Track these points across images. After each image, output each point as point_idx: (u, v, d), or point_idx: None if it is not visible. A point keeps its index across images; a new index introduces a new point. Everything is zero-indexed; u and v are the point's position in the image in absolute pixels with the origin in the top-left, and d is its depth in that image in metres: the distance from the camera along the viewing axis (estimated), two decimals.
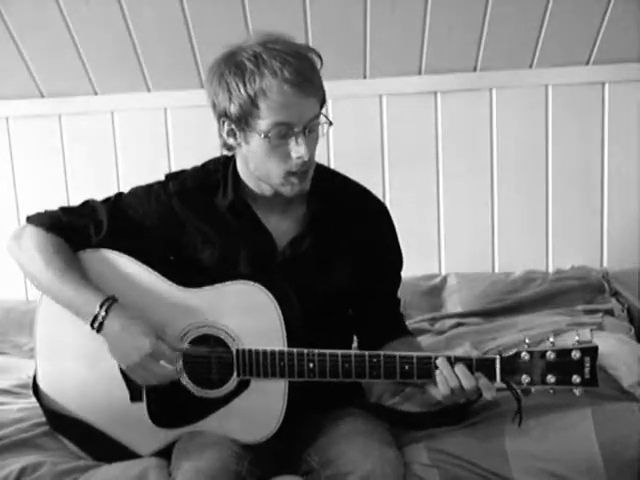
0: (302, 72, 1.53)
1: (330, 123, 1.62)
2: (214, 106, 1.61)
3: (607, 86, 2.69)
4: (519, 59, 2.68)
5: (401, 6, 2.53)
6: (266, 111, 1.53)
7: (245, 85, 1.53)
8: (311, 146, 1.59)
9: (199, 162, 1.81)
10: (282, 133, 1.55)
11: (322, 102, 1.61)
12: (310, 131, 1.58)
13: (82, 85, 2.76)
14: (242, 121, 1.57)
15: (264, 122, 1.54)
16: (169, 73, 2.73)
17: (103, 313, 1.59)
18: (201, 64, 2.69)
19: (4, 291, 2.87)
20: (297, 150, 1.56)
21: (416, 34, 2.61)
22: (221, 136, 1.65)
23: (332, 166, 2.71)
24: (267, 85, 1.52)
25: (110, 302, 1.60)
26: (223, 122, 1.61)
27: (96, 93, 2.79)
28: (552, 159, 2.74)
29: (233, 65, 1.55)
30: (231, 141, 1.63)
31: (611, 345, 1.98)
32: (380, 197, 1.83)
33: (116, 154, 2.84)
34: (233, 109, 1.56)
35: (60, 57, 2.68)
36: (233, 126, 1.60)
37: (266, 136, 1.55)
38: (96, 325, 1.60)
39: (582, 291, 2.57)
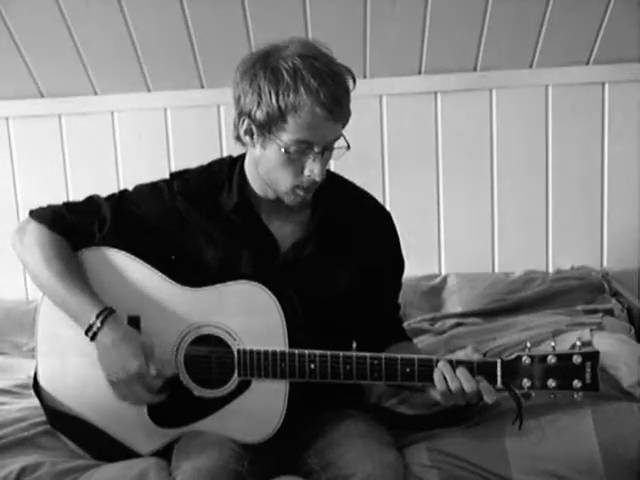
0: (336, 96, 1.53)
1: (348, 147, 1.63)
2: (238, 102, 1.60)
3: (607, 86, 2.69)
4: (519, 59, 2.68)
5: (401, 6, 2.53)
6: (293, 126, 1.53)
7: (278, 96, 1.52)
8: (324, 165, 1.59)
9: (199, 162, 1.81)
10: (301, 150, 1.56)
11: (345, 123, 1.62)
12: (328, 150, 1.59)
13: (82, 85, 2.76)
14: (265, 128, 1.56)
15: (287, 136, 1.54)
16: (169, 73, 2.73)
17: (98, 324, 1.60)
18: (201, 64, 2.69)
19: (4, 291, 2.87)
20: (311, 169, 1.57)
21: (416, 34, 2.61)
22: (236, 129, 1.64)
23: (332, 166, 2.72)
24: (300, 103, 1.51)
25: (106, 314, 1.61)
26: (243, 120, 1.60)
27: (96, 93, 2.80)
28: (552, 159, 2.74)
29: (269, 70, 1.53)
30: (247, 139, 1.63)
31: (611, 345, 1.98)
32: (380, 197, 1.83)
33: (116, 154, 2.84)
34: (259, 114, 1.55)
35: (60, 57, 2.69)
36: (253, 127, 1.59)
37: (286, 151, 1.56)
38: (90, 334, 1.61)
39: (582, 291, 2.57)
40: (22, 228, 1.73)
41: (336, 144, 1.61)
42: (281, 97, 1.51)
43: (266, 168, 1.62)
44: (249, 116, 1.58)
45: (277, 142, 1.56)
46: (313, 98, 1.51)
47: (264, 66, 1.54)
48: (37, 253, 1.67)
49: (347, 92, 1.57)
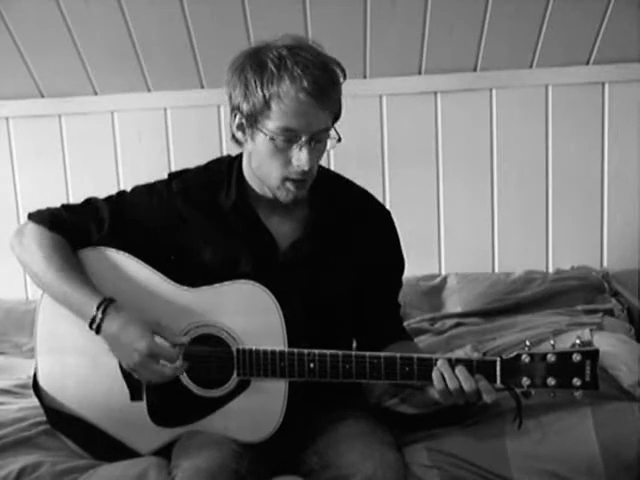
0: (321, 84, 1.53)
1: (339, 140, 1.63)
2: (230, 98, 1.62)
3: (607, 86, 2.69)
4: (519, 59, 2.68)
5: (401, 6, 2.53)
6: (277, 114, 1.54)
7: (262, 84, 1.54)
8: (314, 157, 1.59)
9: (199, 162, 1.81)
10: (288, 138, 1.56)
11: (336, 117, 1.62)
12: (316, 142, 1.58)
13: (82, 85, 2.76)
14: (252, 118, 1.58)
15: (273, 124, 1.55)
16: (169, 73, 2.73)
17: (100, 315, 1.60)
18: (201, 64, 2.69)
19: (4, 291, 2.87)
20: (298, 158, 1.57)
21: (416, 34, 2.61)
22: (231, 127, 1.66)
23: (332, 166, 2.74)
24: (283, 89, 1.52)
25: (106, 304, 1.61)
26: (235, 115, 1.62)
27: (96, 93, 2.80)
28: (552, 159, 2.74)
29: (256, 62, 1.56)
30: (239, 135, 1.64)
31: (611, 345, 1.98)
32: (380, 197, 1.83)
33: (116, 154, 2.84)
34: (246, 105, 1.57)
35: (60, 57, 2.69)
36: (243, 121, 1.61)
37: (272, 138, 1.56)
38: (94, 327, 1.61)
39: (582, 291, 2.57)
40: (20, 230, 1.73)
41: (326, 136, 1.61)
42: (265, 85, 1.53)
43: (257, 162, 1.63)
44: (239, 109, 1.60)
45: (264, 131, 1.57)
46: (296, 85, 1.52)
47: (252, 60, 1.57)
48: (36, 252, 1.67)
49: (333, 82, 1.57)
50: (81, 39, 2.64)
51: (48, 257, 1.66)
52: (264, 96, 1.54)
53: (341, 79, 1.60)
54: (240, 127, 1.63)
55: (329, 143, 1.63)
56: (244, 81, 1.57)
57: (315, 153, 1.59)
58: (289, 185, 1.62)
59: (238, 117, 1.61)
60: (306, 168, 1.58)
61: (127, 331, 1.58)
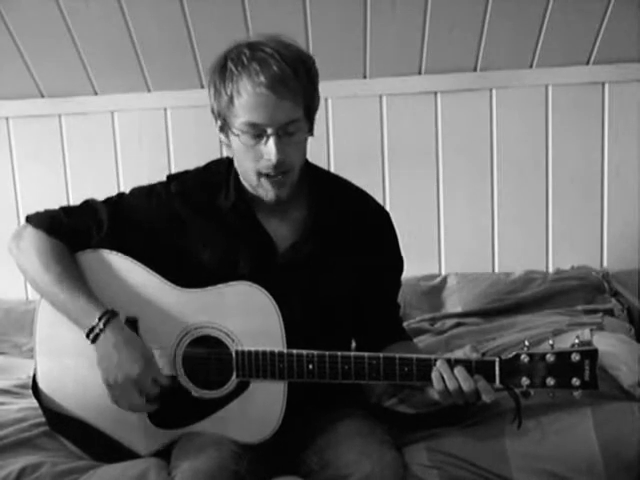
0: (279, 75, 1.54)
1: (311, 134, 1.64)
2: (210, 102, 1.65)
3: (607, 86, 2.69)
4: (519, 59, 2.68)
5: (401, 6, 2.53)
6: (240, 110, 1.57)
7: (225, 84, 1.58)
8: (285, 149, 1.58)
9: (199, 162, 1.81)
10: (254, 133, 1.58)
11: (307, 108, 1.61)
12: (287, 134, 1.58)
13: (82, 85, 2.76)
14: (223, 118, 1.61)
15: (238, 121, 1.58)
16: (169, 73, 2.74)
17: (101, 326, 1.60)
18: (201, 64, 2.69)
19: (4, 291, 2.87)
20: (266, 151, 1.58)
21: (416, 34, 2.61)
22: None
23: (332, 166, 2.74)
24: (242, 86, 1.55)
25: (108, 316, 1.60)
26: (215, 118, 1.65)
27: (96, 93, 2.80)
28: (552, 159, 2.74)
29: (220, 64, 1.60)
30: (222, 137, 1.67)
31: (611, 345, 1.98)
32: (380, 197, 1.82)
33: (116, 154, 2.85)
34: (216, 106, 1.62)
35: (60, 57, 2.69)
36: (220, 122, 1.63)
37: (237, 135, 1.58)
38: (92, 336, 1.61)
39: (582, 291, 2.57)
40: (19, 233, 1.72)
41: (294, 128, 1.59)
42: (227, 84, 1.57)
43: (237, 160, 1.66)
44: (213, 111, 1.64)
45: (233, 130, 1.59)
46: (253, 79, 1.54)
47: (220, 62, 1.61)
48: (34, 258, 1.67)
49: (296, 72, 1.56)
50: (81, 39, 2.64)
51: (46, 264, 1.66)
52: (227, 94, 1.57)
53: (311, 70, 1.61)
54: (220, 129, 1.65)
55: (302, 136, 1.62)
56: (213, 83, 1.61)
57: (286, 146, 1.58)
58: (265, 183, 1.62)
59: (217, 119, 1.64)
60: (274, 160, 1.57)
61: (123, 350, 1.58)
